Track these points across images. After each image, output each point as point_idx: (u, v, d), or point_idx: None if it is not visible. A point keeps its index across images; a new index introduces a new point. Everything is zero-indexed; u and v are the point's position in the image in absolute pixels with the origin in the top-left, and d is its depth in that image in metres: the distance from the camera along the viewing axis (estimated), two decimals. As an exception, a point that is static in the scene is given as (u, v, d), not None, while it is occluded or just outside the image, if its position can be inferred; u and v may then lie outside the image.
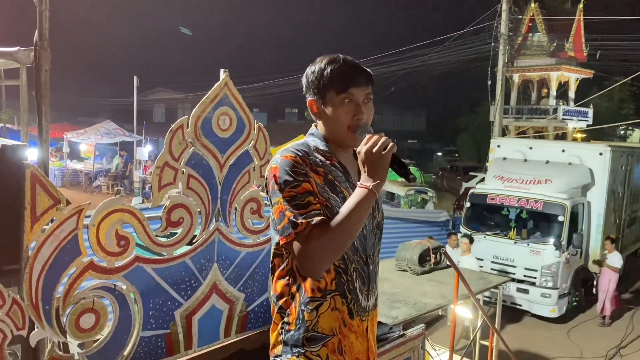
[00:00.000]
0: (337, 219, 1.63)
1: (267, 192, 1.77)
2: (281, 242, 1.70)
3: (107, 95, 41.47)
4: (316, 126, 1.88)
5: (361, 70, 1.80)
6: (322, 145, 1.82)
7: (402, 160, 1.69)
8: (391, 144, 1.63)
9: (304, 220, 1.63)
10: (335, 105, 1.77)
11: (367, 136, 1.66)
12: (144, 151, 20.92)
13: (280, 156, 1.73)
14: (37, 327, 2.15)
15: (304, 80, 1.85)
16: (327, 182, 1.75)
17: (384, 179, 1.64)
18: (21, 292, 2.10)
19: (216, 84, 2.69)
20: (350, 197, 1.66)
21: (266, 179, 1.77)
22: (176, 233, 2.60)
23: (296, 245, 1.65)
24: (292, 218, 1.64)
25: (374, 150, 1.62)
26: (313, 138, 1.85)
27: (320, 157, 1.79)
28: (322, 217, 1.64)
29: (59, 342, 2.23)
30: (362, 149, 1.64)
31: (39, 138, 2.70)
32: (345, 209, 1.64)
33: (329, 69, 1.77)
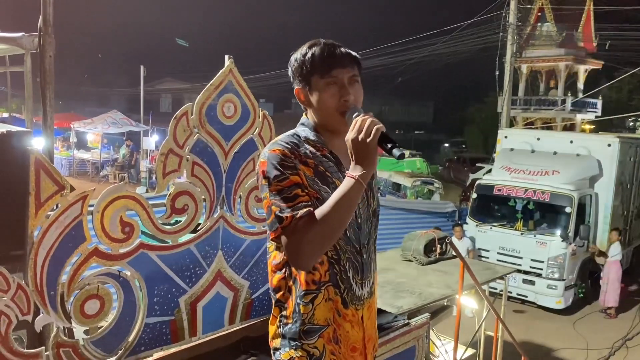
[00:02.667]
0: (324, 210, 1.59)
1: (259, 187, 1.74)
2: (271, 237, 1.68)
3: (114, 85, 41.59)
4: (307, 115, 1.84)
5: (344, 51, 1.75)
6: (312, 136, 1.78)
7: (391, 137, 1.60)
8: (376, 127, 1.56)
9: (289, 215, 1.60)
10: (320, 89, 1.72)
11: (353, 122, 1.60)
12: (151, 141, 20.95)
13: (268, 150, 1.70)
14: (42, 313, 2.16)
15: (289, 70, 1.81)
16: (317, 173, 1.72)
17: (371, 167, 1.59)
18: (26, 278, 2.10)
19: (220, 71, 2.67)
20: (338, 188, 1.62)
21: (257, 173, 1.74)
22: (181, 220, 2.60)
23: (284, 239, 1.62)
24: (277, 213, 1.62)
25: (360, 137, 1.56)
26: (303, 128, 1.80)
27: (310, 148, 1.75)
28: (307, 209, 1.60)
29: (64, 327, 2.24)
30: (348, 136, 1.59)
31: (43, 124, 2.69)
32: (332, 199, 1.59)
33: (309, 53, 1.73)
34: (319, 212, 1.60)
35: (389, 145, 1.58)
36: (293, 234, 1.59)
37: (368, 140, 1.55)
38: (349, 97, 1.71)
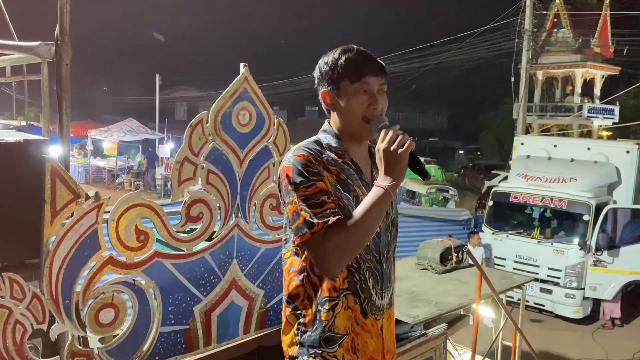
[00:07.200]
0: (353, 218, 1.61)
1: (280, 191, 1.74)
2: (296, 242, 1.68)
3: (130, 94, 42.06)
4: (329, 122, 1.85)
5: (375, 60, 1.77)
6: (334, 143, 1.78)
7: (419, 157, 1.65)
8: (409, 141, 1.59)
9: (320, 221, 1.60)
10: (349, 95, 1.74)
11: (383, 132, 1.63)
12: (166, 148, 21.13)
13: (292, 155, 1.70)
14: (57, 322, 2.15)
15: (316, 72, 1.81)
16: (339, 180, 1.73)
17: (401, 179, 1.61)
18: (41, 286, 2.10)
19: (236, 79, 2.67)
20: (367, 196, 1.64)
21: (279, 178, 1.74)
22: (195, 228, 2.59)
23: (312, 244, 1.63)
24: (307, 218, 1.62)
25: (392, 148, 1.58)
26: (325, 135, 1.81)
27: (332, 155, 1.76)
28: (338, 217, 1.61)
29: (78, 336, 2.23)
30: (379, 146, 1.61)
31: (60, 133, 2.71)
32: (361, 208, 1.61)
33: (343, 58, 1.74)
34: (348, 219, 1.61)
35: (417, 167, 1.64)
36: (323, 241, 1.60)
37: (399, 152, 1.58)
38: (377, 106, 1.73)
